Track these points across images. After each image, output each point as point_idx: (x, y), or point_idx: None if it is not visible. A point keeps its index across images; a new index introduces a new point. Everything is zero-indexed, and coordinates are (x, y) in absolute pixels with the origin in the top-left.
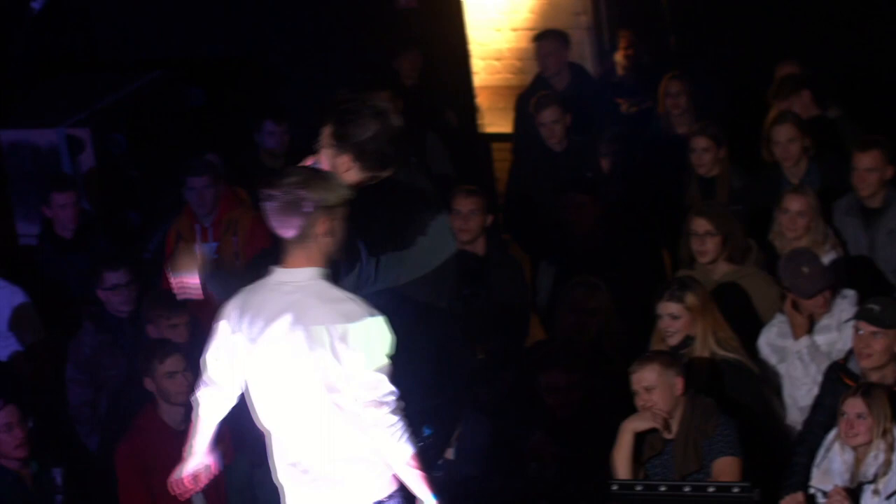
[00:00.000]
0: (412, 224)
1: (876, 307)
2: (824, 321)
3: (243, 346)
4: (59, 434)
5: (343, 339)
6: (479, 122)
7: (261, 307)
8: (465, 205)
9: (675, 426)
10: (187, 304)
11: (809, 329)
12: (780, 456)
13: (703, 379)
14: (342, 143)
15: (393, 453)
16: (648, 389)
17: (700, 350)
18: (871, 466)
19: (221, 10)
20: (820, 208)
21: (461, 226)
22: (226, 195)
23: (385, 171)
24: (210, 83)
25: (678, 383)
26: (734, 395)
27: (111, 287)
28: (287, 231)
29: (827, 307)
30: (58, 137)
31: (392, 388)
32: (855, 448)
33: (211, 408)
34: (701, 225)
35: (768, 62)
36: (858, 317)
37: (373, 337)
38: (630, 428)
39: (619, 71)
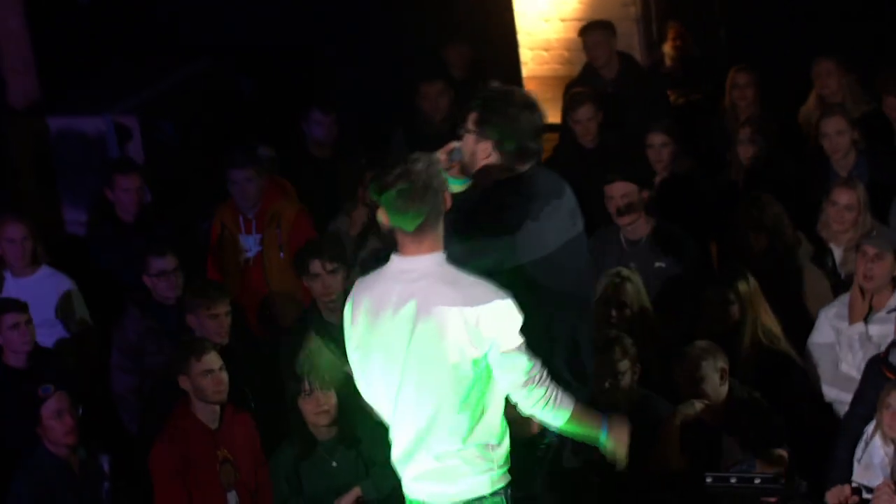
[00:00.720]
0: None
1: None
2: (881, 313)
3: (362, 338)
4: (105, 421)
5: (477, 323)
6: None
7: (384, 297)
8: None
9: (719, 416)
10: (228, 294)
11: (866, 317)
12: (826, 448)
13: (748, 369)
14: (485, 129)
15: (557, 420)
16: (693, 380)
17: (747, 340)
18: None
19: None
20: (868, 202)
21: None
22: (270, 187)
23: (523, 164)
24: (259, 73)
25: (724, 371)
26: (780, 386)
27: (157, 273)
28: (410, 219)
29: (889, 299)
30: (105, 125)
31: (533, 361)
32: (895, 442)
33: None
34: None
35: (812, 56)
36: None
37: (505, 318)
38: (678, 417)
39: (668, 62)
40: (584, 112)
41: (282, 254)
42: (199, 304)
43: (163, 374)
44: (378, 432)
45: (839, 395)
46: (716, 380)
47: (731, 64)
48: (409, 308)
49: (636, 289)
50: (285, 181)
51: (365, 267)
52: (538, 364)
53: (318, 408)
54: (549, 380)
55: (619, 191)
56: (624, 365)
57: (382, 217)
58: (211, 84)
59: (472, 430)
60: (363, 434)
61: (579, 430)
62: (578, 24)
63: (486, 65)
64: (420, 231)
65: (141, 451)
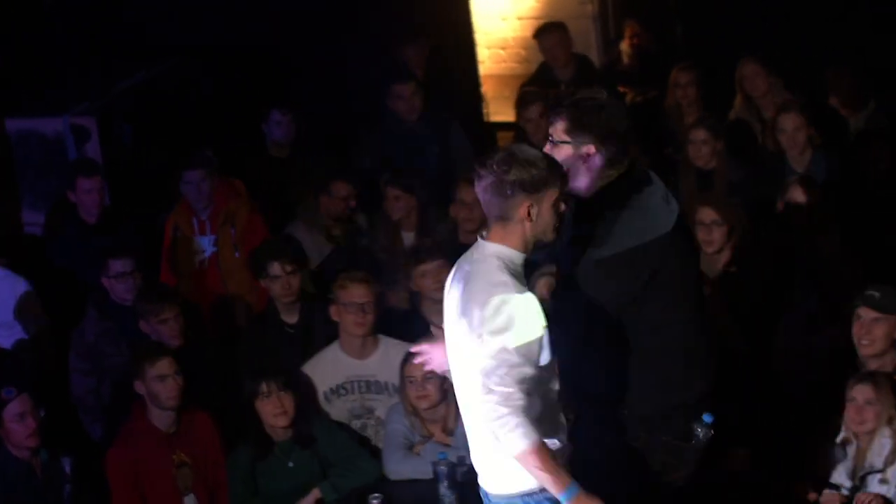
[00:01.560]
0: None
1: (876, 294)
2: None
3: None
4: (67, 423)
5: (482, 320)
6: (485, 110)
7: (455, 275)
8: (470, 194)
9: None
10: (178, 299)
11: None
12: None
13: None
14: (584, 132)
15: (509, 449)
16: None
17: None
18: (877, 456)
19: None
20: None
21: (466, 215)
22: (222, 187)
23: (622, 164)
24: (220, 73)
25: None
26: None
27: (115, 275)
28: (492, 210)
29: None
30: (63, 126)
31: (499, 374)
32: (858, 436)
33: None
34: (707, 215)
35: (774, 53)
36: (859, 303)
37: (500, 318)
38: None
39: (625, 60)
40: (535, 111)
41: (237, 253)
42: (149, 310)
43: (122, 376)
44: (334, 433)
45: None
46: None
47: (688, 61)
48: (457, 292)
49: None
50: (237, 181)
51: None
52: (505, 381)
53: (276, 409)
54: (512, 403)
55: None
56: None
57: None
58: (170, 85)
59: None
60: (319, 434)
61: (538, 475)
62: (536, 23)
63: (444, 63)
64: (497, 221)
65: (103, 453)
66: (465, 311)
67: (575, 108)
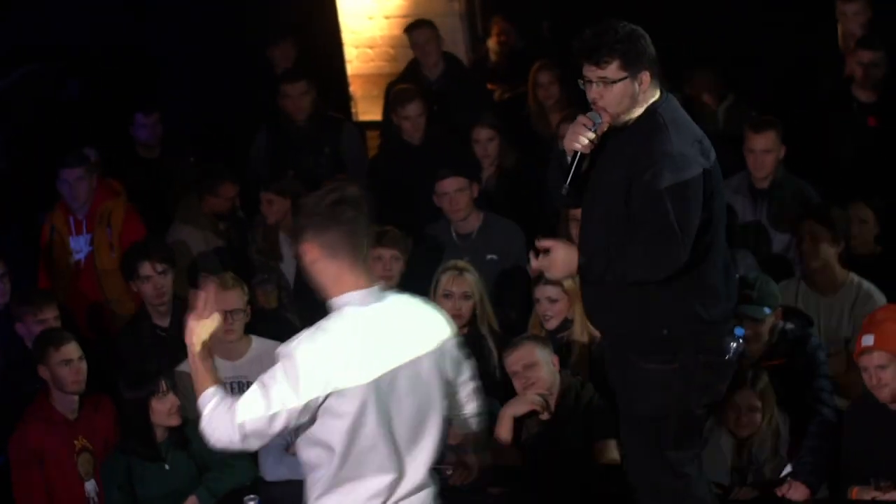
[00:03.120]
0: None
1: (753, 294)
2: None
3: None
4: None
5: None
6: (353, 110)
7: None
8: None
9: (552, 407)
10: (54, 299)
11: None
12: None
13: (581, 361)
14: (640, 62)
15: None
16: (529, 366)
17: (579, 334)
18: (757, 454)
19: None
20: None
21: None
22: (99, 187)
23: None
24: (86, 75)
25: (554, 361)
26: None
27: None
28: None
29: None
30: None
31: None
32: (737, 435)
33: None
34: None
35: None
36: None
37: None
38: (510, 413)
39: (493, 57)
40: (414, 108)
41: (112, 253)
42: (26, 311)
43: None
44: None
45: None
46: (550, 367)
47: (552, 60)
48: None
49: (475, 279)
50: (114, 181)
51: None
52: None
53: (172, 409)
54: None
55: (452, 186)
56: None
57: None
58: (37, 87)
59: None
60: (193, 436)
61: None
62: (403, 21)
63: (312, 63)
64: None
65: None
66: None
67: (625, 44)
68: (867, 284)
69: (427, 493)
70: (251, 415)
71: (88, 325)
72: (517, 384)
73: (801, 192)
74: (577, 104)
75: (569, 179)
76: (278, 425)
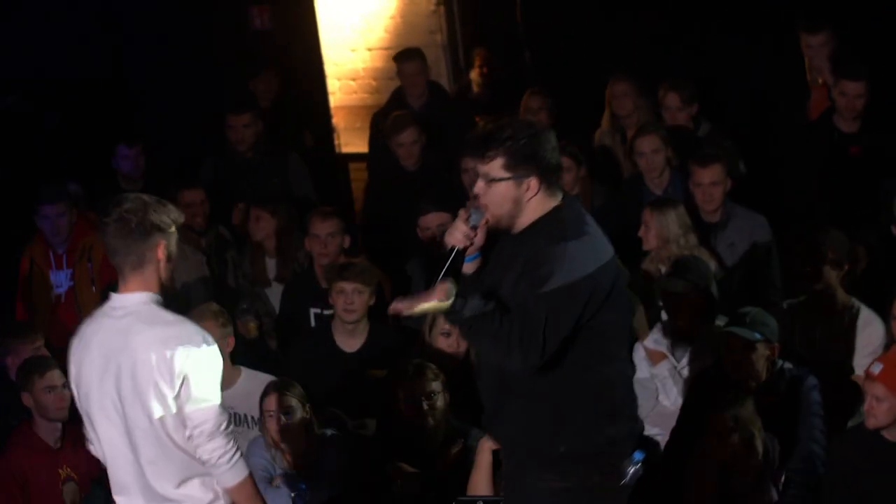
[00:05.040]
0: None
1: (746, 318)
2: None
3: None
4: None
5: (170, 366)
6: (336, 142)
7: (92, 336)
8: (322, 228)
9: None
10: (38, 330)
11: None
12: None
13: None
14: (527, 166)
15: (231, 479)
16: None
17: None
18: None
19: (77, 32)
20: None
21: (320, 249)
22: (80, 221)
23: (559, 193)
24: (66, 107)
25: None
26: None
27: None
28: (124, 256)
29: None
30: None
31: (222, 414)
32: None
33: None
34: None
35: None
36: (729, 334)
37: (203, 363)
38: (488, 447)
39: (475, 88)
40: (409, 135)
41: (94, 287)
42: (20, 342)
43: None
44: None
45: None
46: None
47: (542, 87)
48: (112, 349)
49: None
50: (92, 214)
51: None
52: (227, 418)
53: None
54: (233, 438)
55: (434, 221)
56: (437, 385)
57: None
58: (14, 119)
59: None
60: None
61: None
62: (386, 54)
63: (295, 95)
64: (132, 270)
65: None
66: (139, 361)
67: (512, 142)
68: (867, 311)
69: None
70: None
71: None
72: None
73: (753, 225)
74: (566, 133)
75: (442, 273)
76: None
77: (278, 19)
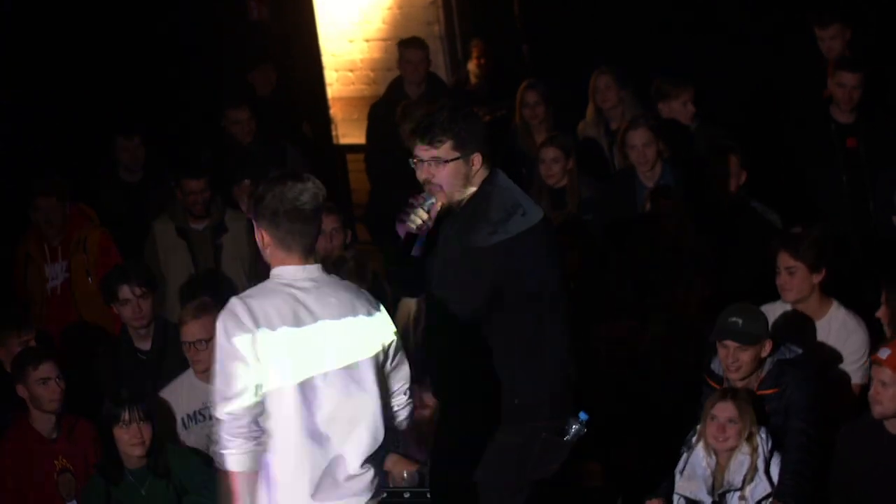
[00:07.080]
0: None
1: (739, 321)
2: None
3: None
4: None
5: None
6: (334, 133)
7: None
8: (326, 224)
9: None
10: (32, 322)
11: None
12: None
13: None
14: (472, 144)
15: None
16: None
17: None
18: (736, 473)
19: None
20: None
21: (324, 245)
22: (73, 213)
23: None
24: (65, 98)
25: None
26: None
27: None
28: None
29: None
30: None
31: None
32: (718, 453)
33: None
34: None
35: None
36: (722, 336)
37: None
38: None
39: (473, 80)
40: None
41: (90, 279)
42: (8, 335)
43: None
44: (188, 459)
45: None
46: None
47: (538, 80)
48: None
49: None
50: (87, 207)
51: None
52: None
53: (135, 439)
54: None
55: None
56: None
57: None
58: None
59: None
60: (174, 462)
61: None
62: (383, 45)
63: (293, 87)
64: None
65: None
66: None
67: (457, 124)
68: (847, 316)
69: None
70: None
71: (65, 349)
72: None
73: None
74: (562, 125)
75: (403, 260)
76: None
77: (276, 11)
